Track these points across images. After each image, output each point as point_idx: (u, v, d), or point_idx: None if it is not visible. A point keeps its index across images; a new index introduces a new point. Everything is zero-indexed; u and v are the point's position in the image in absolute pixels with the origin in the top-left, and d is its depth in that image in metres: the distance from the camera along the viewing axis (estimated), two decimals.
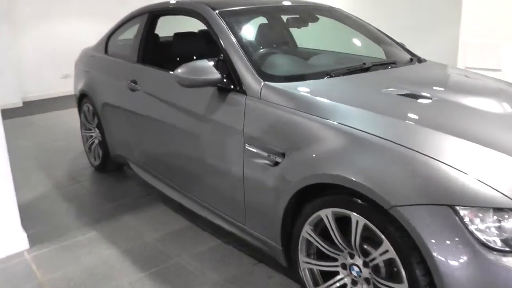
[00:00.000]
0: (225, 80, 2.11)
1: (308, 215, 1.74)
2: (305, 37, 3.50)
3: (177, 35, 3.00)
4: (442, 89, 2.13)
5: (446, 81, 2.31)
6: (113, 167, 3.62)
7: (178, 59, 3.07)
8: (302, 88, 1.98)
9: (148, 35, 2.97)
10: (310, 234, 1.77)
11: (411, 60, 2.64)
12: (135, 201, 3.16)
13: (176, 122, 2.46)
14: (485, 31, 4.74)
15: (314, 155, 1.68)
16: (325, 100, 1.85)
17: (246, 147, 1.97)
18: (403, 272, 1.45)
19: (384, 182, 1.45)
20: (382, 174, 1.47)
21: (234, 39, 2.24)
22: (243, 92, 2.06)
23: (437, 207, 1.36)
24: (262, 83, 2.02)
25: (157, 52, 3.06)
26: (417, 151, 1.46)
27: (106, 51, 3.44)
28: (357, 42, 3.01)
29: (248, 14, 2.60)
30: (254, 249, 2.26)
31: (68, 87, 5.69)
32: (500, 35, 4.64)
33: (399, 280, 1.47)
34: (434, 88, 2.12)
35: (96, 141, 3.59)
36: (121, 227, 2.78)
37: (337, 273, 1.73)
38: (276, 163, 1.84)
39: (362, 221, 1.54)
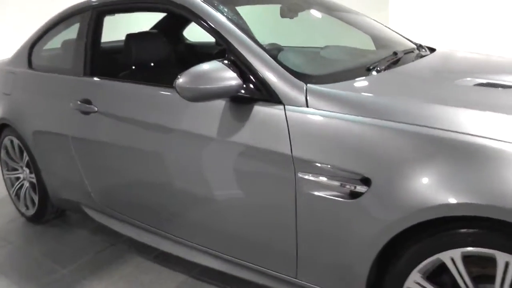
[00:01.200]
0: (245, 86, 1.55)
1: (418, 259, 1.27)
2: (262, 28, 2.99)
3: (132, 37, 2.33)
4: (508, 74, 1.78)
5: (498, 66, 1.99)
6: (53, 215, 2.79)
7: (134, 67, 2.40)
8: (364, 88, 1.50)
9: (95, 39, 2.25)
10: (420, 284, 1.30)
11: (421, 46, 2.29)
12: (98, 257, 2.40)
13: (165, 149, 1.82)
14: (414, 13, 4.68)
15: (434, 177, 1.20)
16: (413, 102, 1.37)
17: (300, 175, 1.42)
18: None
19: None
20: None
21: (241, 32, 1.68)
22: (276, 101, 1.51)
23: None
24: (305, 87, 1.50)
25: (112, 61, 2.35)
26: None
27: (30, 65, 2.60)
28: (335, 31, 2.55)
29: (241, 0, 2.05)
30: None
31: None
32: (428, 17, 4.60)
33: None
34: (499, 75, 1.77)
35: (27, 184, 2.73)
36: None
37: None
38: (355, 195, 1.33)
39: None
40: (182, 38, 3.25)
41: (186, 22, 3.26)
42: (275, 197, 1.51)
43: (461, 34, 4.31)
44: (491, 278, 1.21)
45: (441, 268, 1.29)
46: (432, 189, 1.19)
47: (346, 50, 2.16)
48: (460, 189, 1.15)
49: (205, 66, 1.53)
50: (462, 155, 1.18)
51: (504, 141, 1.15)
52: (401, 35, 2.47)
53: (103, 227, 2.37)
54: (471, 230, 1.18)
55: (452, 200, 1.16)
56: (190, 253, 1.95)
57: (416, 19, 4.59)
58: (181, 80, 1.50)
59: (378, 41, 2.28)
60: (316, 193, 1.40)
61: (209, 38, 1.85)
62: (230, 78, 1.52)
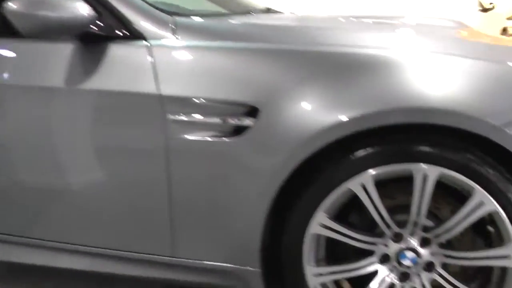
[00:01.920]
0: (98, 22, 1.24)
1: (322, 195, 1.09)
2: None
3: None
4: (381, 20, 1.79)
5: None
6: None
7: None
8: (238, 20, 1.33)
9: None
10: (326, 226, 1.11)
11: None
12: None
13: None
14: None
15: (324, 95, 1.06)
16: (294, 25, 1.27)
17: (170, 117, 1.15)
18: (510, 227, 0.99)
19: (471, 99, 0.98)
20: (465, 91, 1.01)
21: None
22: (137, 37, 1.24)
23: None
24: (172, 19, 1.26)
25: None
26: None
27: None
28: None
29: None
30: None
31: None
32: None
33: (499, 243, 1.04)
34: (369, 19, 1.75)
35: None
36: None
37: (371, 275, 1.13)
38: (240, 130, 1.11)
39: (435, 171, 1.01)
40: None
41: None
42: (140, 154, 1.21)
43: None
44: (403, 208, 1.11)
45: (348, 207, 1.15)
46: (325, 108, 1.06)
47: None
48: (354, 102, 1.04)
49: None
50: (345, 67, 1.08)
51: (384, 48, 1.09)
52: None
53: None
54: (380, 147, 1.05)
55: (348, 116, 1.02)
56: (41, 256, 1.47)
57: None
58: (13, 4, 1.14)
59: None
60: (192, 137, 1.14)
61: None
62: (80, 7, 1.20)
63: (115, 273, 1.38)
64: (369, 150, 1.05)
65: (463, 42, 1.40)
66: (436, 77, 1.02)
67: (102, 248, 1.35)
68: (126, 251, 1.32)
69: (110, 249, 1.34)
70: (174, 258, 1.27)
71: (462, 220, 1.02)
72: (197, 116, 1.13)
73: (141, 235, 1.29)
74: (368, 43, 1.12)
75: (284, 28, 1.26)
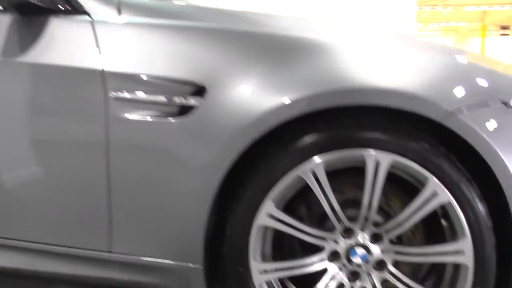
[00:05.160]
0: None
1: (270, 182, 1.01)
2: None
3: None
4: None
5: None
6: None
7: None
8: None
9: None
10: (274, 217, 1.03)
11: None
12: None
13: None
14: None
15: (267, 77, 1.01)
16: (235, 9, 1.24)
17: (112, 95, 1.06)
18: (464, 220, 0.94)
19: (423, 83, 0.96)
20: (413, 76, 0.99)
21: None
22: (80, 12, 1.14)
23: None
24: None
25: None
26: None
27: None
28: None
29: None
30: None
31: None
32: None
33: (452, 238, 0.99)
34: None
35: None
36: None
37: (321, 273, 1.05)
38: (185, 110, 1.03)
39: (388, 158, 0.96)
40: None
41: None
42: (79, 134, 1.10)
43: None
44: (354, 204, 1.06)
45: (297, 201, 1.09)
46: (270, 90, 1.01)
47: None
48: (295, 84, 1.00)
49: None
50: (290, 50, 1.05)
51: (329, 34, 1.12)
52: None
53: None
54: (329, 132, 1.00)
55: (292, 97, 0.98)
56: None
57: None
58: None
59: None
60: (134, 116, 1.05)
61: None
62: None
63: (50, 271, 1.25)
64: (317, 135, 1.00)
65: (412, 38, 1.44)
66: (382, 63, 1.02)
67: (37, 243, 1.21)
68: (62, 246, 1.19)
69: (46, 244, 1.21)
70: (111, 254, 1.16)
71: (414, 212, 0.97)
72: (141, 94, 1.05)
73: (77, 227, 1.17)
74: (314, 29, 1.14)
75: (231, 11, 1.23)
